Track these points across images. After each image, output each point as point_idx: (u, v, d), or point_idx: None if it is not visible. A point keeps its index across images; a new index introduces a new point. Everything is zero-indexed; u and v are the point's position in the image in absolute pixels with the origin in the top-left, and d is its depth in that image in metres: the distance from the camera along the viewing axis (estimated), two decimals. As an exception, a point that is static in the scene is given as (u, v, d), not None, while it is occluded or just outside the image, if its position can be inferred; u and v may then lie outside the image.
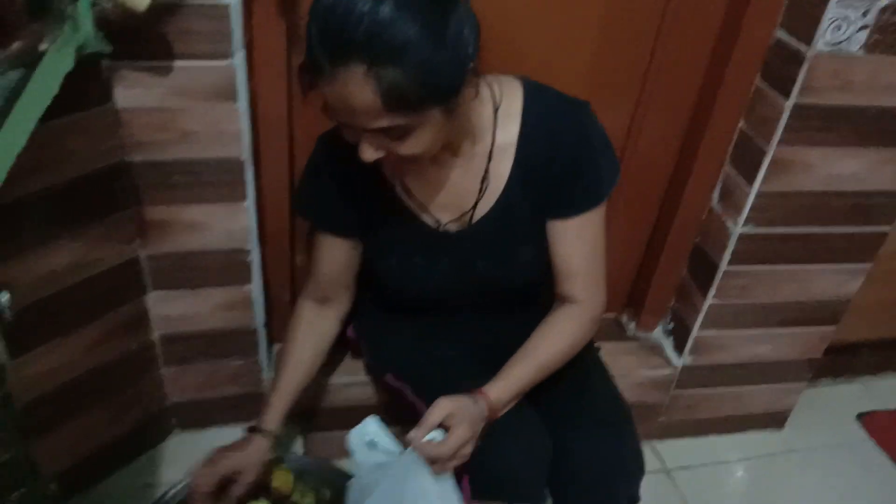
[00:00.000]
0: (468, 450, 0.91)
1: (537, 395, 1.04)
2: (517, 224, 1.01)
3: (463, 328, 1.10)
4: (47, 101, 0.75)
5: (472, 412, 0.91)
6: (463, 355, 1.01)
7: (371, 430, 0.96)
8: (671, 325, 1.53)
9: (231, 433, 1.40)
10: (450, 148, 0.95)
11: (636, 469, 1.01)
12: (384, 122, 0.78)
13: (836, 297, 1.45)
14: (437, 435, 0.90)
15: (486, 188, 0.98)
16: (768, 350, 1.51)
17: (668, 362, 1.51)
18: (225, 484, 1.03)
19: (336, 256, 1.08)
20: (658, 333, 1.56)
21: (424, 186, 1.00)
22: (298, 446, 1.39)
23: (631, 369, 1.49)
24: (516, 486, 0.95)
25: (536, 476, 0.97)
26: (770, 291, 1.40)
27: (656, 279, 1.49)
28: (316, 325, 1.13)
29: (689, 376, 1.51)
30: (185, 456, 1.34)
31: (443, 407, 0.90)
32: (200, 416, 1.40)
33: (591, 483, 0.98)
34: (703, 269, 1.41)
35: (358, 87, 0.74)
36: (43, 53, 0.68)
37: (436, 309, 1.10)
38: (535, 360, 1.00)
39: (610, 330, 1.59)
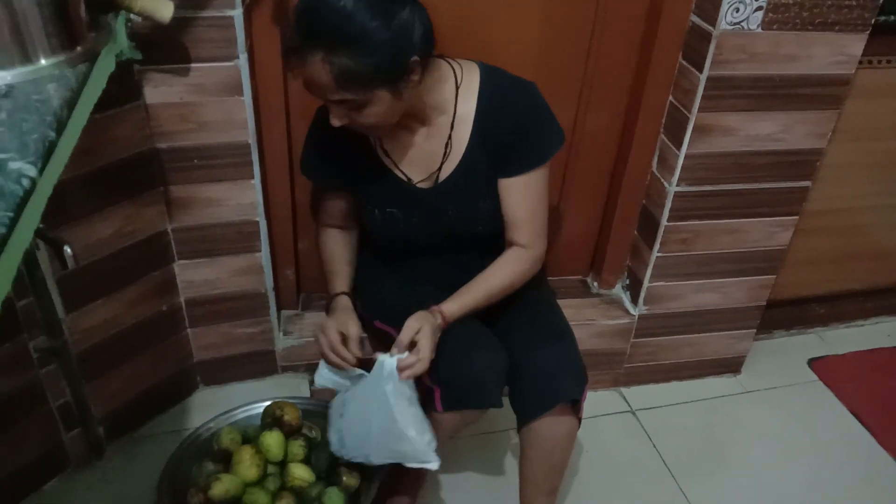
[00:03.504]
0: (432, 355, 1.13)
1: (497, 320, 1.26)
2: (477, 181, 1.22)
3: (435, 270, 1.31)
4: (99, 93, 0.98)
5: (434, 325, 1.14)
6: (434, 292, 1.22)
7: (325, 372, 1.21)
8: (627, 281, 1.74)
9: (248, 388, 1.63)
10: (418, 118, 1.18)
11: (576, 373, 1.20)
12: (338, 97, 1.04)
13: (769, 247, 1.66)
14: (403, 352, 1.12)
15: (449, 152, 1.20)
16: (715, 298, 1.72)
17: (626, 312, 1.72)
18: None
19: (337, 205, 1.34)
20: (618, 289, 1.78)
21: (399, 149, 1.22)
22: (305, 391, 1.60)
23: (595, 320, 1.70)
24: (479, 393, 1.16)
25: (496, 384, 1.18)
26: (709, 244, 1.61)
27: (612, 241, 1.70)
28: (341, 235, 1.38)
29: (646, 324, 1.72)
30: (208, 408, 1.54)
31: (412, 326, 1.12)
32: (221, 372, 1.61)
33: (541, 381, 1.19)
34: (648, 227, 1.62)
35: (317, 69, 1.00)
36: (98, 54, 0.91)
37: (414, 254, 1.32)
38: (484, 288, 1.21)
39: (577, 289, 1.80)
